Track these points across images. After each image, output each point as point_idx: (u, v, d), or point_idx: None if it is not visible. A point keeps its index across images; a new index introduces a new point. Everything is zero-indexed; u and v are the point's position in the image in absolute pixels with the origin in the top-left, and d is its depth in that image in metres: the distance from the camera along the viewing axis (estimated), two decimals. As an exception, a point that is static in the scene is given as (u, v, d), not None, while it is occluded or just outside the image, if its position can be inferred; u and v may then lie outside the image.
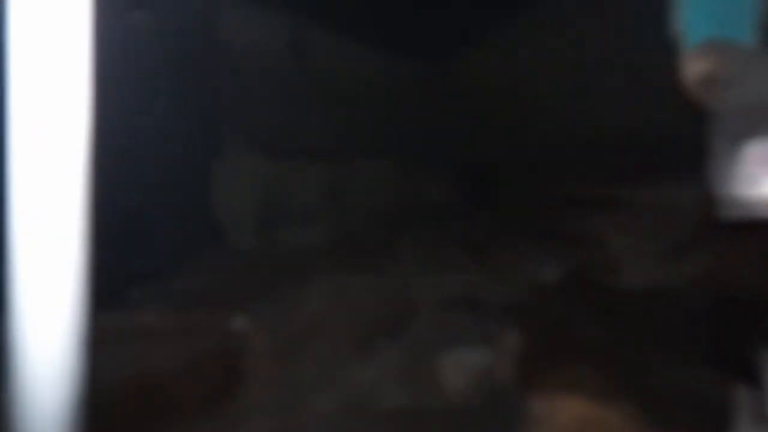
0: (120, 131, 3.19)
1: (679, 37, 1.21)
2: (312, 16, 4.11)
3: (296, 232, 4.16)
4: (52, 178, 0.79)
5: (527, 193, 4.52)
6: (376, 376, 2.07)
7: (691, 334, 1.80)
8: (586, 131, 3.85)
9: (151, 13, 3.18)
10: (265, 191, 4.23)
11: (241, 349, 1.93)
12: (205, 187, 3.72)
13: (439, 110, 4.82)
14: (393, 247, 4.11)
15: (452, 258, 3.80)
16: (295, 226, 4.23)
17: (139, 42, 3.12)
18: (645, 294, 2.18)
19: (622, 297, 2.20)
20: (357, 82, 4.57)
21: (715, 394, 1.52)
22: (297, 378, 2.13)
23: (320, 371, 2.09)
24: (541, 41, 4.20)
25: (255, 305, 2.73)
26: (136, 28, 3.12)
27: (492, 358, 1.88)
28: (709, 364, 1.63)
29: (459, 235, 4.34)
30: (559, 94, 4.20)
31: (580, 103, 3.84)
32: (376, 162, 4.70)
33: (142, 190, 3.28)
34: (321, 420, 1.98)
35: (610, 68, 3.44)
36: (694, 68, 1.18)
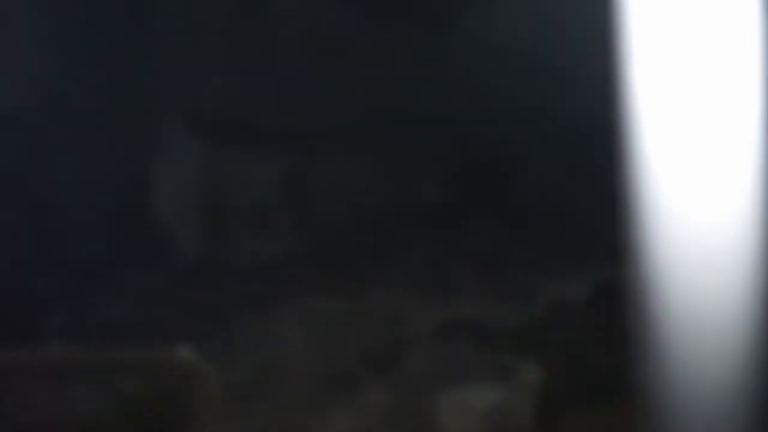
0: (15, 107, 3.26)
1: None
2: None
3: (253, 240, 4.25)
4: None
5: (548, 188, 4.63)
6: (357, 423, 2.18)
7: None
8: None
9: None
10: (212, 187, 4.29)
11: (185, 391, 2.01)
12: (134, 181, 3.77)
13: (435, 83, 4.90)
14: (377, 260, 4.20)
15: (453, 274, 3.90)
16: (252, 234, 4.31)
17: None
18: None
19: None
20: (329, 43, 4.65)
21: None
22: (257, 427, 2.23)
23: (286, 418, 2.19)
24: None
25: (203, 335, 2.81)
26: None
27: (504, 398, 1.99)
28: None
29: (461, 244, 4.44)
30: (588, 63, 4.31)
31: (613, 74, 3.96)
32: (355, 149, 4.78)
33: (50, 187, 3.34)
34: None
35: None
36: None
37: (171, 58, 3.88)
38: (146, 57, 3.80)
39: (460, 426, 2.00)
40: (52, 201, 3.32)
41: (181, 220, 3.92)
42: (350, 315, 2.95)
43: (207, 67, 3.97)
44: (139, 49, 3.77)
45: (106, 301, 3.03)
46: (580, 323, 2.38)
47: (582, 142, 4.52)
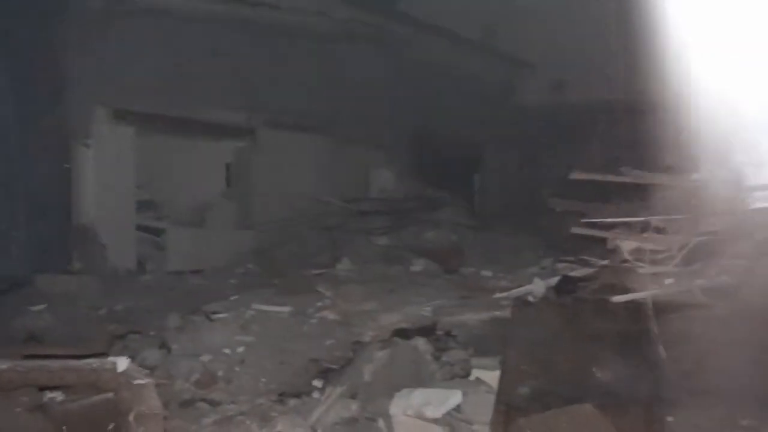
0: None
1: None
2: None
3: (192, 241, 4.26)
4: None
5: (506, 181, 4.72)
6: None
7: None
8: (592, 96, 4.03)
9: None
10: (146, 185, 4.29)
11: (122, 406, 2.02)
12: (62, 172, 3.76)
13: (392, 72, 4.98)
14: (326, 258, 4.21)
15: (407, 271, 3.95)
16: (191, 234, 4.32)
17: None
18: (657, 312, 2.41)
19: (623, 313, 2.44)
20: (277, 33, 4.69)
21: None
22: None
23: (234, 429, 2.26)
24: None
25: (143, 342, 2.82)
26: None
27: (461, 401, 2.08)
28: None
29: (417, 239, 4.48)
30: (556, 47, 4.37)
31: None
32: (304, 141, 4.84)
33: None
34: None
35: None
36: None
37: (103, 50, 3.87)
38: (71, 52, 3.80)
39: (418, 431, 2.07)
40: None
41: (112, 222, 3.91)
42: (298, 320, 3.00)
43: (141, 59, 3.97)
44: (62, 43, 3.77)
45: (31, 310, 3.05)
46: (542, 321, 2.45)
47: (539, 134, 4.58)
